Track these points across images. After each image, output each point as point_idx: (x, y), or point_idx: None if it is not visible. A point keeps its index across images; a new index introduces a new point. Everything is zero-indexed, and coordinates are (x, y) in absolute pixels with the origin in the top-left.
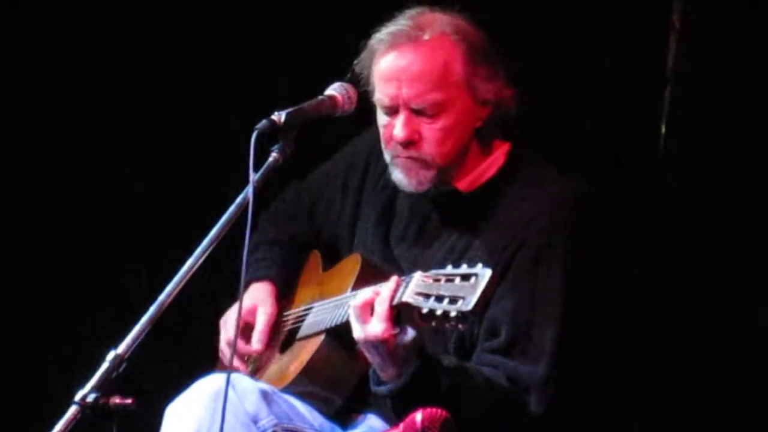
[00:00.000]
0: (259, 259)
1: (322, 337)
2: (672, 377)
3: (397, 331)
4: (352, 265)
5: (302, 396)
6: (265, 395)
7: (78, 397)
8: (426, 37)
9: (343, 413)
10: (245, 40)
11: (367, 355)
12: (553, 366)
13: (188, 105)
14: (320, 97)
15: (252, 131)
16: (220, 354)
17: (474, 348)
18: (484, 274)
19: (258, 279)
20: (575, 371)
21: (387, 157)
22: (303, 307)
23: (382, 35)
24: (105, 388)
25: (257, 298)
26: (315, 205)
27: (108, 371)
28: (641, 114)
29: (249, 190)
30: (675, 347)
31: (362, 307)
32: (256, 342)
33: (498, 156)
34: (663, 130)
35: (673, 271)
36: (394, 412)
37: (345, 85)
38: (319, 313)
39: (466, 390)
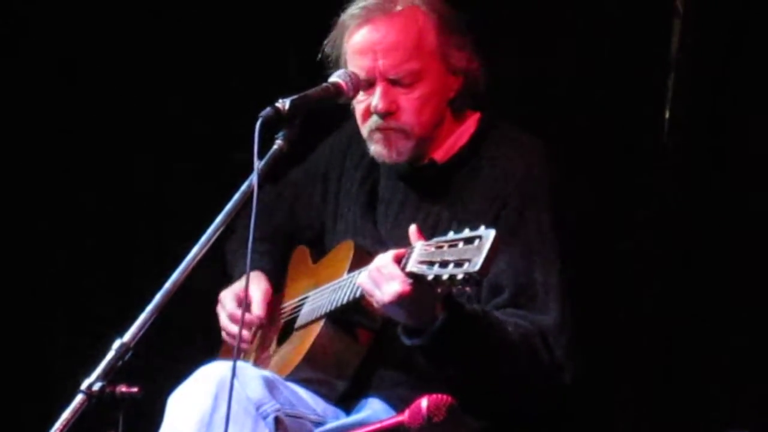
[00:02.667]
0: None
1: (323, 321)
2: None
3: (412, 281)
4: (345, 251)
5: (305, 383)
6: (267, 382)
7: (84, 385)
8: (398, 8)
9: (346, 398)
10: (252, 25)
11: (393, 316)
12: (563, 309)
13: (193, 92)
14: (324, 84)
15: (256, 118)
16: (223, 335)
17: None
18: (488, 235)
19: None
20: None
21: (365, 132)
22: (298, 299)
23: (353, 10)
24: (111, 376)
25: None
26: (295, 203)
27: (114, 360)
28: (645, 101)
29: (253, 178)
30: (681, 341)
31: (372, 275)
32: (257, 309)
33: (470, 124)
34: (667, 116)
35: (676, 258)
36: (431, 359)
37: (349, 71)
38: (317, 300)
39: (497, 329)
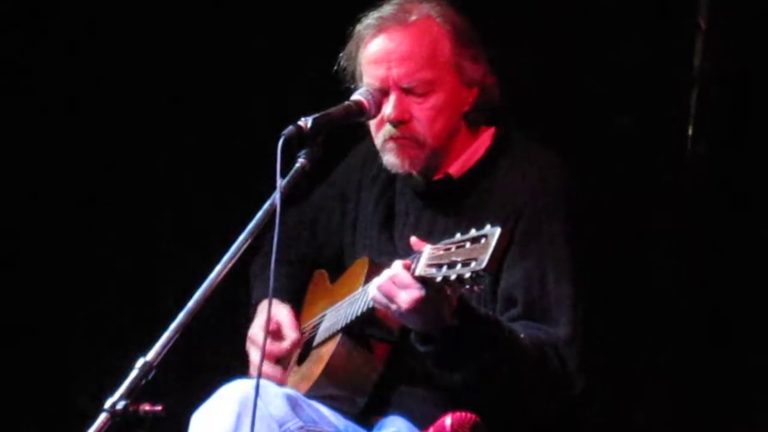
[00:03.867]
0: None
1: (339, 336)
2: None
3: (425, 288)
4: (360, 267)
5: (326, 400)
6: (290, 399)
7: (108, 404)
8: (413, 18)
9: (368, 415)
10: (272, 41)
11: (410, 325)
12: (576, 322)
13: (214, 111)
14: (346, 102)
15: (278, 137)
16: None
17: None
18: (493, 232)
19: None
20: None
21: (378, 142)
22: (317, 318)
23: (368, 21)
24: (134, 395)
25: (273, 310)
26: (316, 224)
27: (137, 378)
28: (668, 115)
29: (276, 197)
30: (710, 348)
31: (384, 288)
32: (290, 333)
33: (485, 139)
34: (690, 131)
35: (699, 270)
36: (443, 365)
37: (371, 89)
38: (333, 317)
39: (508, 336)
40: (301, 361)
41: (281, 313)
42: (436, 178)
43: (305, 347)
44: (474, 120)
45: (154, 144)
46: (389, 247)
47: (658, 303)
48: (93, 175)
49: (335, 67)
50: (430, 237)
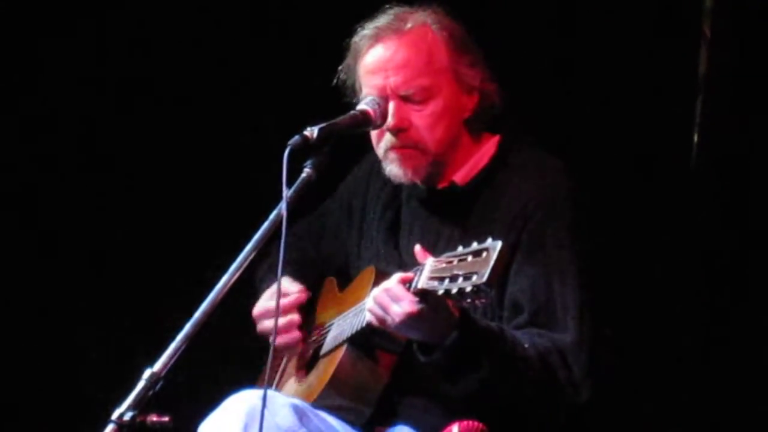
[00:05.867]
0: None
1: (345, 346)
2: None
3: (419, 299)
4: (367, 276)
5: (332, 410)
6: (297, 410)
7: (115, 415)
8: (408, 26)
9: (374, 425)
10: (278, 52)
11: (408, 336)
12: (582, 328)
13: (220, 121)
14: (352, 111)
15: (284, 147)
16: (258, 325)
17: None
18: (494, 246)
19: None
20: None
21: (380, 152)
22: (324, 327)
23: (364, 32)
24: (142, 406)
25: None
26: (324, 234)
27: (145, 389)
28: (673, 123)
29: (282, 207)
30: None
31: (379, 299)
32: (293, 313)
33: (489, 147)
34: (695, 138)
35: (706, 277)
36: (446, 375)
37: (377, 99)
38: (340, 327)
39: (511, 343)
40: (308, 370)
41: (288, 285)
42: (440, 186)
43: (313, 356)
44: (476, 127)
45: (163, 154)
46: (395, 257)
47: (662, 308)
48: (102, 182)
49: (335, 81)
50: (435, 246)
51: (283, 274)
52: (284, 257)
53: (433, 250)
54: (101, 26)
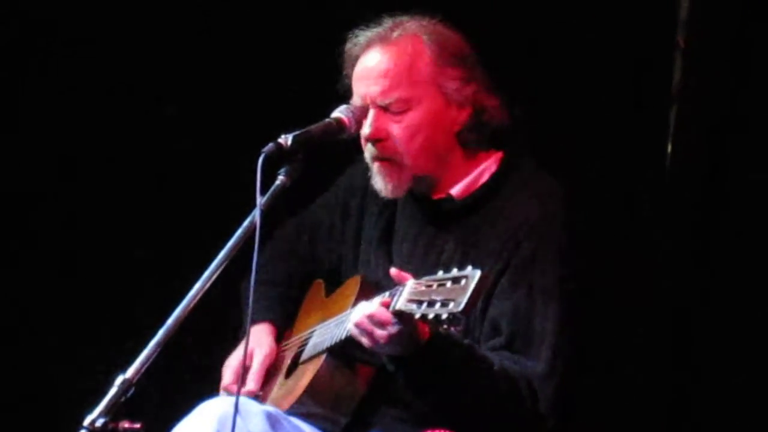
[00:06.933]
0: (259, 300)
1: (324, 356)
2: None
3: (398, 322)
4: (353, 286)
5: (307, 418)
6: (269, 417)
7: (87, 421)
8: (395, 35)
9: None
10: (257, 59)
11: (383, 352)
12: (555, 359)
13: (194, 129)
14: (327, 119)
15: (258, 154)
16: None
17: None
18: (473, 275)
19: (257, 321)
20: (581, 368)
21: (368, 161)
22: (307, 332)
23: (357, 39)
24: (114, 412)
25: (255, 341)
26: (315, 236)
27: (116, 395)
28: (647, 133)
29: (256, 214)
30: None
31: (361, 324)
32: (251, 382)
33: (491, 164)
34: (669, 149)
35: (682, 288)
36: (410, 386)
37: (352, 107)
38: (321, 335)
39: (479, 362)
40: (288, 374)
41: (257, 356)
42: (436, 197)
43: (294, 361)
44: (471, 141)
45: (135, 161)
46: (385, 264)
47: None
48: (73, 189)
49: (340, 89)
50: (426, 256)
51: (269, 288)
52: (271, 269)
53: (424, 260)
54: (90, 28)
